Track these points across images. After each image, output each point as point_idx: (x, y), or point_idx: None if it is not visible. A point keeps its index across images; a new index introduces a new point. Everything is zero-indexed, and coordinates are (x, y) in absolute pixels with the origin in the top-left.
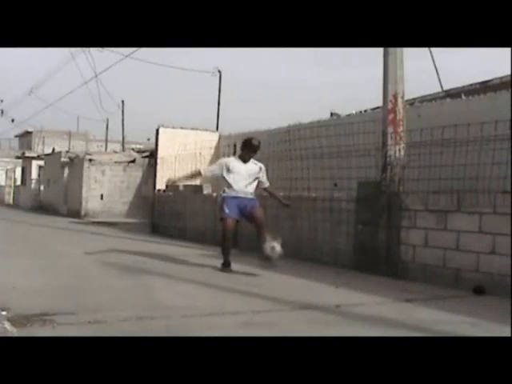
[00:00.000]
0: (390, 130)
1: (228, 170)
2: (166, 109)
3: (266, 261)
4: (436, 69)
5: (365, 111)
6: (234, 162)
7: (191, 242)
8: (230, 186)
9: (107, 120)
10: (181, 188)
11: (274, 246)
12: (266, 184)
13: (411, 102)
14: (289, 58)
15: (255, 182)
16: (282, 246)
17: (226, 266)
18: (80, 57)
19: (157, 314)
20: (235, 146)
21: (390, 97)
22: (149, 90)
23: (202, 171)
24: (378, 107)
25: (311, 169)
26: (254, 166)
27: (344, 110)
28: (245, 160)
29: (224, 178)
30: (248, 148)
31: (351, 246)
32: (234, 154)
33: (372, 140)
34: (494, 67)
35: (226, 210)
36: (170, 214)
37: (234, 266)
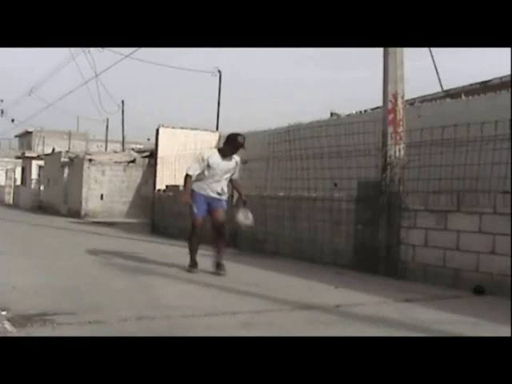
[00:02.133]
0: (390, 129)
1: (208, 166)
2: (166, 109)
3: (218, 268)
4: (436, 69)
5: (365, 111)
6: (213, 159)
7: None
8: (202, 179)
9: (107, 120)
10: (181, 188)
11: (248, 215)
12: (235, 176)
13: (411, 102)
14: (289, 58)
15: (227, 180)
16: (283, 245)
17: (193, 267)
18: (80, 57)
19: (157, 314)
20: None
21: (390, 97)
22: (149, 90)
23: (189, 172)
24: (378, 107)
25: (311, 169)
26: (232, 162)
27: (344, 110)
28: (226, 155)
29: (202, 173)
30: (232, 144)
31: (351, 246)
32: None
33: (372, 140)
34: (494, 67)
35: (195, 207)
36: (170, 214)
37: (234, 265)
